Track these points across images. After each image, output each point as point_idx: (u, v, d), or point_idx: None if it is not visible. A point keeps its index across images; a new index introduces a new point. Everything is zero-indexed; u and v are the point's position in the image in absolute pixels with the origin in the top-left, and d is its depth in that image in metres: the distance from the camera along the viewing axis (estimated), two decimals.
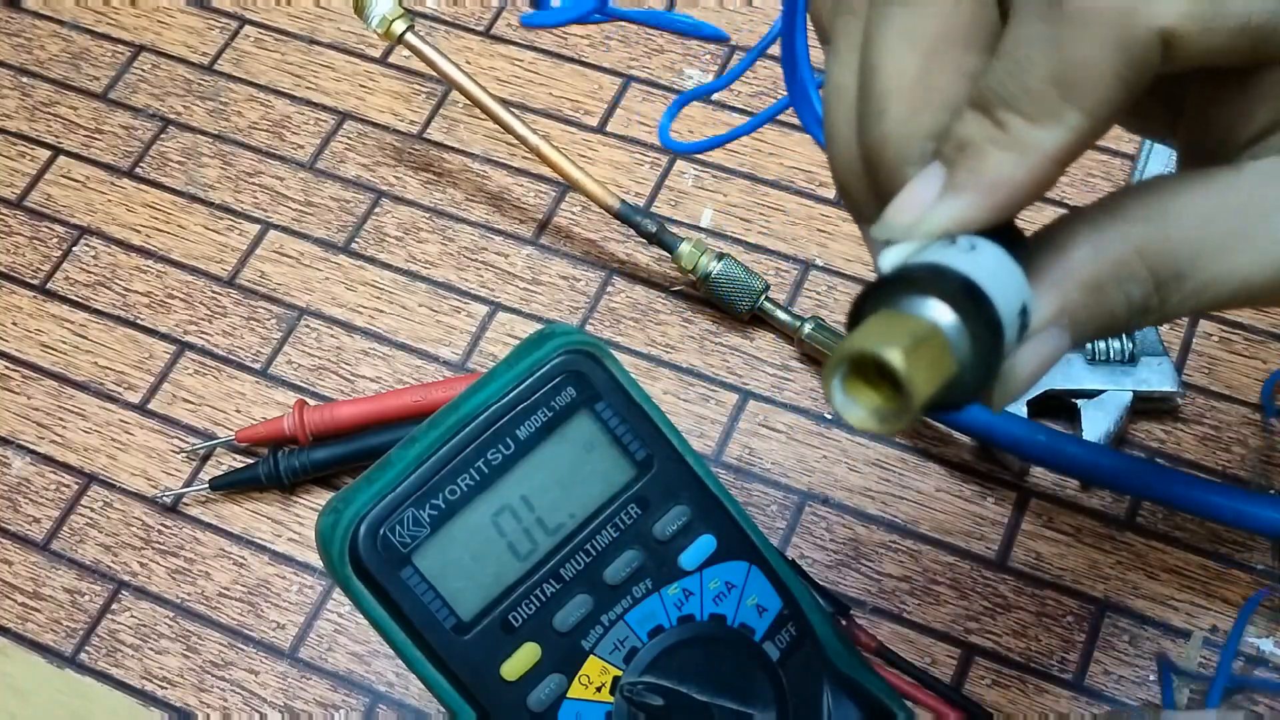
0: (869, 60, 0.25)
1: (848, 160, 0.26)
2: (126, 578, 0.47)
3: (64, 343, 0.52)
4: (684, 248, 0.49)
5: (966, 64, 0.24)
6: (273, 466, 0.46)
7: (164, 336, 0.52)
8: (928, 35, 0.24)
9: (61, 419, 0.50)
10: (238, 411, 0.50)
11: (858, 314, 0.23)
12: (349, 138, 0.56)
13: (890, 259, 0.23)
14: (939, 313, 0.22)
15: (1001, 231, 0.23)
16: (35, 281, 0.53)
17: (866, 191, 0.26)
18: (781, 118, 0.54)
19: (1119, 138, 0.52)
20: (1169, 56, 0.22)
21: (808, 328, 0.48)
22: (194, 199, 0.55)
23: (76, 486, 0.49)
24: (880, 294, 0.22)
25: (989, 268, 0.22)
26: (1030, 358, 0.24)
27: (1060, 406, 0.46)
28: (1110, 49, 0.22)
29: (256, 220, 0.54)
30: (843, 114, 0.26)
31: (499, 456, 0.32)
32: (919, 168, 0.24)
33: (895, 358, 0.20)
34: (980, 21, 0.24)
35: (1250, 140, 0.24)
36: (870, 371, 0.21)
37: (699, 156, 0.54)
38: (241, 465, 0.48)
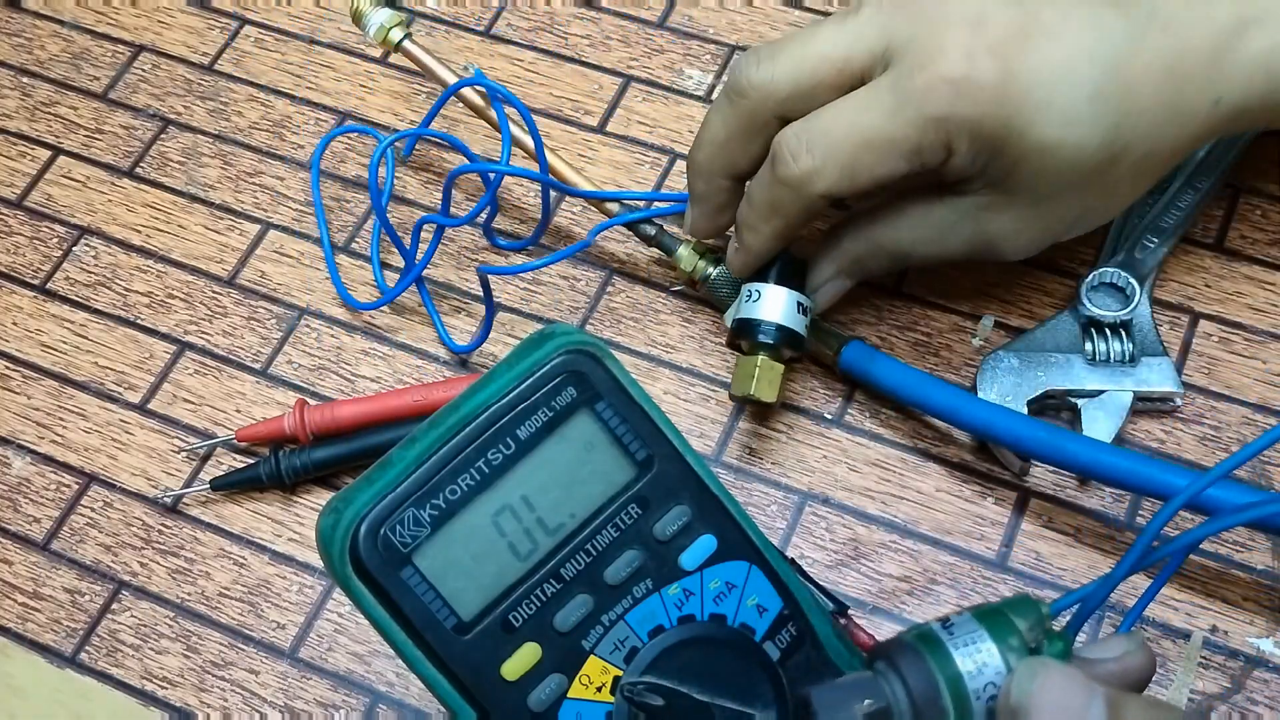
0: (704, 127, 0.45)
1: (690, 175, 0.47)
2: (127, 578, 0.47)
3: (64, 343, 0.52)
4: (683, 250, 0.49)
5: (748, 145, 0.44)
6: (274, 466, 0.46)
7: (164, 336, 0.52)
8: (727, 124, 0.44)
9: (61, 419, 0.50)
10: (238, 411, 0.50)
11: (731, 344, 0.47)
12: (349, 138, 0.56)
13: (729, 315, 0.47)
14: (763, 352, 0.44)
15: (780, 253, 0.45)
16: (35, 281, 0.54)
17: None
18: None
19: None
20: (830, 200, 0.42)
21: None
22: (194, 199, 0.55)
23: (76, 486, 0.49)
24: (735, 333, 0.45)
25: (775, 305, 0.44)
26: (827, 292, 0.46)
27: (1060, 406, 0.46)
28: (794, 198, 0.42)
29: (256, 220, 0.54)
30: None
31: (499, 456, 0.32)
32: (707, 183, 0.46)
33: (761, 395, 0.44)
34: (756, 129, 0.43)
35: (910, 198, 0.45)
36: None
37: None
38: (242, 465, 0.48)
